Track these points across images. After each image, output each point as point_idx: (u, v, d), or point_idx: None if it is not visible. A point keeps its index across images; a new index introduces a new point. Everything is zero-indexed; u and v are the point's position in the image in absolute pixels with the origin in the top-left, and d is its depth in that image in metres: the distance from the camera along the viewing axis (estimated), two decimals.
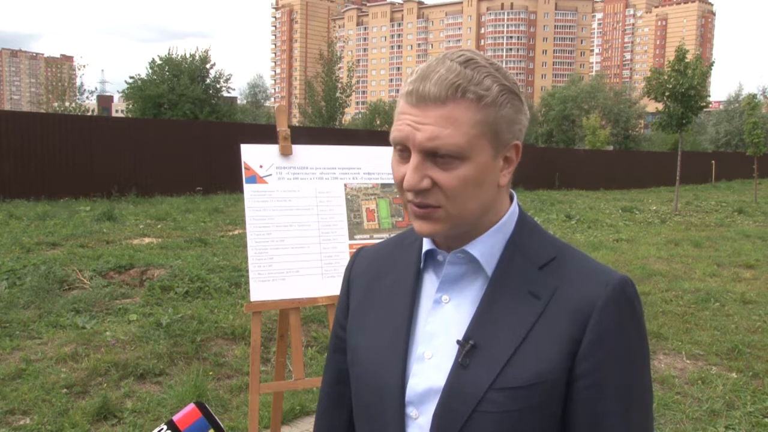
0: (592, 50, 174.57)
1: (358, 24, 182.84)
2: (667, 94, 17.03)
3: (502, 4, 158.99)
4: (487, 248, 0.98)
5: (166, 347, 4.84)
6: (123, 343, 4.91)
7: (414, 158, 0.91)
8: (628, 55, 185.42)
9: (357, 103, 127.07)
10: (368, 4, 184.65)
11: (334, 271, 2.72)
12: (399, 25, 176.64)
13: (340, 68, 37.54)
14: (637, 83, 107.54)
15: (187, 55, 30.25)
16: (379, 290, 1.08)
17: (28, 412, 3.86)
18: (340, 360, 1.13)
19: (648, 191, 27.18)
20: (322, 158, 2.83)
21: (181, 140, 17.50)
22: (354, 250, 2.76)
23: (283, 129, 2.80)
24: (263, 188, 2.70)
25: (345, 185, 2.83)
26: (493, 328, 0.94)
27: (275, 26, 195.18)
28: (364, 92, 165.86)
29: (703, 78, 16.97)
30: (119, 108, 70.37)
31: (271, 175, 2.73)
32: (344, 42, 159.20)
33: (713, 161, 34.61)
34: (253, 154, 2.73)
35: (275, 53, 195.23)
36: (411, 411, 0.97)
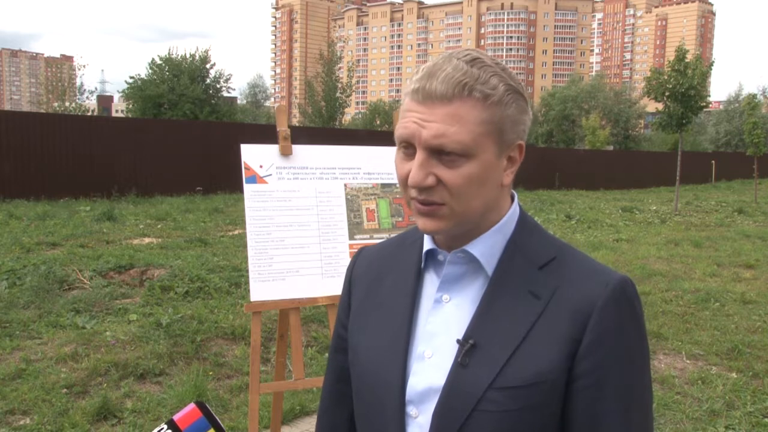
0: (592, 50, 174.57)
1: (358, 24, 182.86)
2: (667, 94, 17.03)
3: (502, 4, 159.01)
4: (487, 248, 0.98)
5: (166, 347, 4.84)
6: (123, 343, 4.91)
7: (419, 155, 0.91)
8: (628, 55, 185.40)
9: (357, 103, 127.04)
10: (368, 4, 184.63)
11: (334, 271, 2.72)
12: (399, 25, 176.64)
13: (340, 68, 37.55)
14: (637, 83, 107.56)
15: (187, 55, 30.28)
16: (380, 290, 1.08)
17: (28, 412, 3.86)
18: (342, 359, 1.14)
19: (648, 191, 27.18)
20: (322, 158, 2.83)
21: (181, 140, 17.50)
22: (354, 250, 2.77)
23: (283, 129, 2.80)
24: (263, 188, 2.70)
25: (345, 185, 2.83)
26: (493, 328, 0.94)
27: (275, 26, 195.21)
28: (364, 92, 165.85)
29: (703, 78, 16.97)
30: (119, 108, 70.39)
31: (271, 175, 2.73)
32: (344, 42, 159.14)
33: (713, 161, 34.61)
34: (253, 154, 2.73)
35: (275, 53, 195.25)
36: (411, 410, 0.97)
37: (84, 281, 6.78)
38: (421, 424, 0.96)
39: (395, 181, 2.90)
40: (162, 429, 1.06)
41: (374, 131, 30.67)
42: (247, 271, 2.66)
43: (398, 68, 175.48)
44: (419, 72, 0.93)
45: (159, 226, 11.49)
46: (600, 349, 0.91)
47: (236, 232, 10.84)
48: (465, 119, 0.89)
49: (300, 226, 2.71)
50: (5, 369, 4.40)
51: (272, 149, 2.77)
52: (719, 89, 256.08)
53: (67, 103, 30.74)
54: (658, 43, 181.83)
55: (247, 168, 2.70)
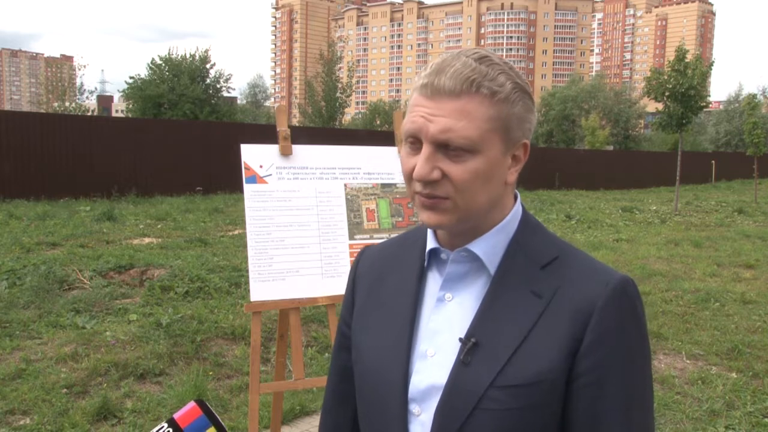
0: (592, 50, 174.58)
1: (358, 24, 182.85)
2: (667, 94, 17.03)
3: (502, 4, 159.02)
4: (490, 247, 0.98)
5: (166, 347, 4.84)
6: (123, 343, 4.91)
7: (426, 149, 0.92)
8: (628, 55, 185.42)
9: (357, 103, 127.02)
10: (368, 4, 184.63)
11: (334, 271, 2.72)
12: (399, 25, 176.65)
13: (340, 68, 37.55)
14: (637, 83, 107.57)
15: (187, 55, 30.29)
16: (383, 289, 1.09)
17: (28, 412, 3.86)
18: (345, 358, 1.14)
19: (648, 191, 27.18)
20: (322, 158, 2.83)
21: (181, 140, 17.49)
22: (354, 250, 2.77)
23: (283, 129, 2.80)
24: (263, 188, 2.70)
25: (345, 185, 2.83)
26: (495, 327, 0.94)
27: (275, 26, 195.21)
28: (364, 92, 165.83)
29: (703, 78, 16.97)
30: (119, 108, 70.38)
31: (271, 175, 2.73)
32: (344, 42, 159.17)
33: (713, 161, 34.61)
34: (253, 154, 2.73)
35: (275, 53, 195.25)
36: (414, 408, 0.98)
37: (84, 281, 6.78)
38: (423, 422, 0.96)
39: (395, 181, 2.91)
40: (163, 427, 1.06)
41: (374, 131, 30.67)
42: (247, 271, 2.66)
43: (398, 68, 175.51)
44: (428, 68, 0.94)
45: (159, 226, 11.49)
46: (601, 349, 0.91)
47: (236, 232, 10.84)
48: (472, 115, 0.90)
49: (300, 226, 2.71)
50: (5, 369, 4.40)
51: (272, 149, 2.77)
52: (719, 89, 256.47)
53: (67, 103, 30.74)
54: (658, 43, 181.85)
55: (247, 168, 2.70)
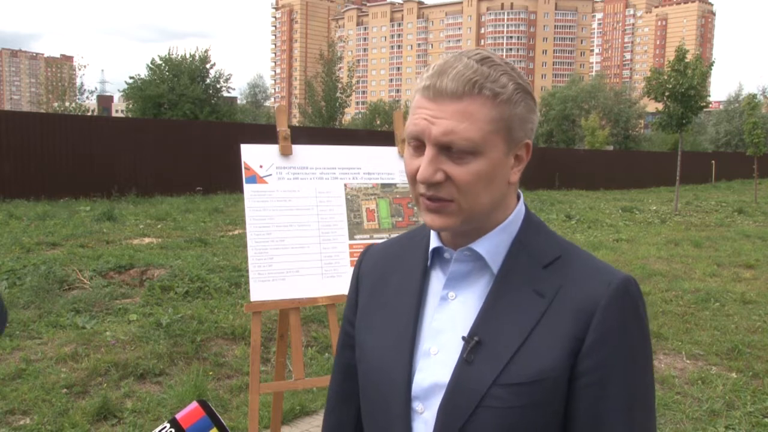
0: (592, 50, 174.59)
1: (358, 24, 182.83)
2: (667, 94, 17.04)
3: (502, 4, 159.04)
4: (493, 246, 0.99)
5: (166, 347, 4.84)
6: (123, 343, 4.91)
7: (429, 151, 0.92)
8: (628, 55, 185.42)
9: (357, 103, 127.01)
10: (368, 4, 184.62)
11: (334, 271, 2.72)
12: (399, 25, 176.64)
13: (340, 68, 37.55)
14: (637, 83, 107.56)
15: (187, 55, 30.28)
16: (386, 288, 1.09)
17: (28, 412, 3.86)
18: (349, 356, 1.14)
19: (648, 191, 27.19)
20: (322, 158, 2.83)
21: (181, 140, 17.49)
22: (354, 250, 2.77)
23: (283, 129, 2.80)
24: (263, 188, 2.70)
25: (345, 185, 2.83)
26: (497, 325, 0.95)
27: (275, 26, 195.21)
28: (364, 92, 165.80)
29: (703, 78, 16.97)
30: (119, 108, 70.39)
31: (271, 175, 2.73)
32: (344, 42, 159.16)
33: (713, 161, 34.61)
34: (253, 154, 2.73)
35: (275, 53, 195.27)
36: (417, 405, 0.98)
37: (84, 281, 6.78)
38: (426, 420, 0.97)
39: (395, 181, 2.91)
40: (165, 428, 1.06)
41: (374, 131, 30.67)
42: (247, 271, 2.66)
43: (398, 68, 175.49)
44: (430, 69, 0.94)
45: (159, 226, 11.49)
46: (603, 348, 0.91)
47: (236, 232, 10.84)
48: (475, 116, 0.90)
49: (300, 226, 2.71)
50: (5, 369, 4.39)
51: (272, 149, 2.77)
52: (719, 89, 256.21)
53: (67, 103, 30.71)
54: (658, 43, 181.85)
55: (247, 168, 2.70)
